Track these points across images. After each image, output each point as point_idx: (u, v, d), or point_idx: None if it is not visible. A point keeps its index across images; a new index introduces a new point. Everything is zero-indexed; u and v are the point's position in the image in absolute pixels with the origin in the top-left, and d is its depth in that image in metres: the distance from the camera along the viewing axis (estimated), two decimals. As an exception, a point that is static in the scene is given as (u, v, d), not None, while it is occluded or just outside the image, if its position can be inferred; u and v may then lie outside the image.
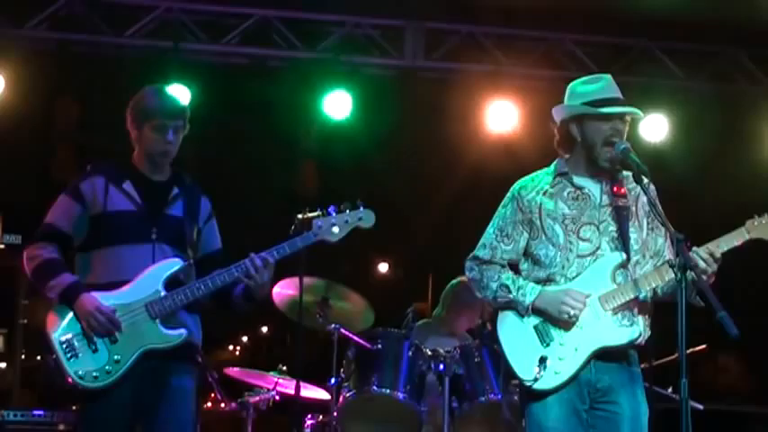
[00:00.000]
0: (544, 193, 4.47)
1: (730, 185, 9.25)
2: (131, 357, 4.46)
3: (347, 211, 4.68)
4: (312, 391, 6.69)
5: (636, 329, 4.32)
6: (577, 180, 4.46)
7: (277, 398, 6.72)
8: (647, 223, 4.46)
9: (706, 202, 9.15)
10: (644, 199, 4.41)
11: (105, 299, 4.50)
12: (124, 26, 8.46)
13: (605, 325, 4.30)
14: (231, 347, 30.44)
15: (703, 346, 5.94)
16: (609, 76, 4.53)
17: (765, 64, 9.01)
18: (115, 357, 4.45)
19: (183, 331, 4.56)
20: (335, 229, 4.65)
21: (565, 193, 4.45)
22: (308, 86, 8.79)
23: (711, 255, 4.21)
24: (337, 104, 8.74)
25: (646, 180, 4.31)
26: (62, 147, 9.98)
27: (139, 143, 4.75)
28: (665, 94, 8.90)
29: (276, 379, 6.70)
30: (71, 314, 4.49)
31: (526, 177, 4.58)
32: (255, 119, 9.46)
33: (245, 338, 30.82)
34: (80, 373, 4.43)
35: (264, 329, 28.46)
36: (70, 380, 4.43)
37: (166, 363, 4.55)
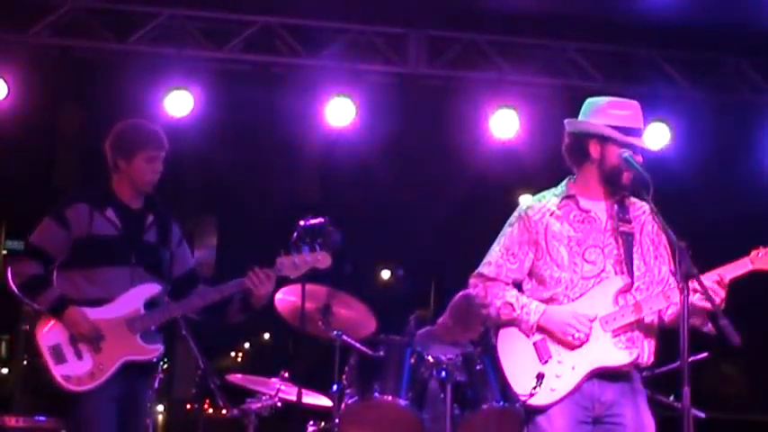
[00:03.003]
0: (551, 215, 4.47)
1: (732, 194, 9.25)
2: (114, 366, 4.88)
3: (306, 252, 5.25)
4: (314, 398, 6.69)
5: (634, 352, 4.32)
6: (584, 203, 4.46)
7: (279, 404, 6.71)
8: (653, 251, 4.46)
9: (708, 211, 9.15)
10: (649, 228, 4.43)
11: (90, 313, 4.91)
12: (127, 33, 8.47)
13: (604, 346, 4.31)
14: (233, 354, 30.48)
15: (705, 354, 5.93)
16: (638, 104, 4.51)
17: (767, 72, 9.01)
18: (100, 365, 4.86)
19: (160, 346, 5.06)
20: (295, 268, 5.24)
21: (571, 216, 4.45)
22: (311, 93, 8.80)
23: (720, 281, 4.20)
24: (340, 111, 8.74)
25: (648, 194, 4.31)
26: (65, 153, 10.01)
27: (126, 173, 5.10)
28: (668, 103, 8.90)
29: (278, 385, 6.69)
30: (59, 324, 4.88)
31: (533, 197, 4.59)
32: (258, 126, 9.48)
33: (247, 345, 30.85)
34: (67, 376, 4.83)
35: (266, 336, 28.50)
36: (57, 382, 4.82)
37: (141, 375, 5.09)
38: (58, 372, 4.82)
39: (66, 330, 4.87)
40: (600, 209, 4.45)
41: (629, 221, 4.43)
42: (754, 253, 4.29)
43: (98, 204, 5.04)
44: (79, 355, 4.85)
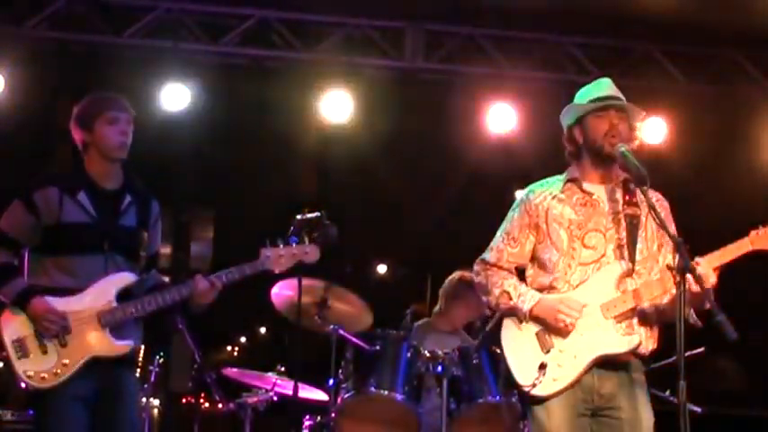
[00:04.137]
0: (553, 198, 4.47)
1: (730, 188, 9.26)
2: (79, 362, 4.61)
3: (294, 244, 4.94)
4: (310, 392, 6.69)
5: (636, 338, 4.30)
6: (587, 186, 4.46)
7: (275, 398, 6.72)
8: (657, 237, 4.45)
9: (705, 205, 9.15)
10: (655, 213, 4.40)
11: (58, 303, 4.64)
12: (124, 26, 8.46)
13: (605, 333, 4.30)
14: (229, 348, 30.44)
15: (701, 349, 5.93)
16: (607, 79, 4.56)
17: (765, 66, 9.00)
18: (64, 361, 4.60)
19: (130, 342, 4.73)
20: (282, 260, 4.88)
21: (573, 199, 4.45)
22: (308, 87, 8.79)
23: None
24: (336, 106, 8.74)
25: (645, 186, 4.30)
26: (61, 146, 9.99)
27: (93, 146, 4.84)
28: (665, 97, 8.90)
29: (274, 380, 6.69)
30: (24, 315, 4.63)
31: (536, 182, 4.59)
32: (254, 119, 9.47)
33: (243, 339, 30.82)
34: (29, 372, 4.58)
35: (263, 330, 28.46)
36: (19, 379, 4.58)
37: (118, 369, 4.73)
38: (19, 367, 4.57)
39: (30, 323, 4.60)
40: (603, 192, 4.45)
41: (636, 205, 4.41)
42: (753, 233, 4.27)
43: (70, 188, 4.75)
44: (44, 350, 4.58)
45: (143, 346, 5.04)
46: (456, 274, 7.00)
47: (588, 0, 8.21)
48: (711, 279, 4.16)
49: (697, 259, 4.13)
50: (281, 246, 4.90)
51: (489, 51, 8.87)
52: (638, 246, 4.38)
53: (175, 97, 8.48)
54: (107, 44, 8.53)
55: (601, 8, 8.28)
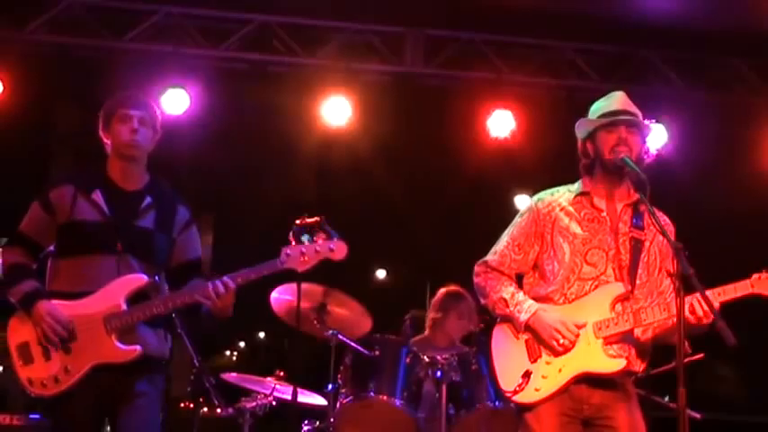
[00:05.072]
0: (561, 209, 4.46)
1: (729, 194, 9.25)
2: (82, 369, 4.44)
3: (320, 240, 4.57)
4: (309, 397, 6.68)
5: (622, 361, 4.29)
6: (598, 202, 4.45)
7: (274, 403, 6.71)
8: (659, 263, 4.43)
9: (704, 211, 9.15)
10: (660, 238, 4.37)
11: (64, 308, 4.49)
12: (124, 30, 8.47)
13: (593, 352, 4.30)
14: (228, 353, 30.45)
15: (701, 355, 5.93)
16: (621, 93, 4.56)
17: (764, 73, 9.01)
18: (67, 367, 4.44)
19: (136, 348, 4.49)
20: (305, 259, 4.53)
21: (581, 213, 4.44)
22: (308, 92, 8.79)
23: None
24: (337, 110, 8.74)
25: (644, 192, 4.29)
26: (61, 151, 10.00)
27: (111, 147, 4.72)
28: (665, 104, 8.89)
29: (273, 384, 6.68)
30: (30, 321, 4.49)
31: (546, 191, 4.58)
32: (255, 124, 9.48)
33: (242, 344, 30.84)
34: (31, 379, 4.46)
35: (262, 335, 28.49)
36: (23, 386, 4.46)
37: (129, 375, 4.52)
38: (23, 374, 4.45)
39: (34, 328, 4.45)
40: (612, 211, 4.44)
41: (642, 228, 4.41)
42: (755, 276, 4.26)
43: (85, 186, 4.60)
44: (47, 356, 4.44)
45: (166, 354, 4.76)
46: (442, 289, 7.01)
47: (588, 6, 8.21)
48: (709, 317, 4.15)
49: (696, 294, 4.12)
50: (306, 243, 4.54)
51: (489, 56, 8.87)
52: (639, 270, 4.37)
53: (176, 101, 8.47)
54: (107, 48, 8.54)
55: (601, 14, 8.29)
